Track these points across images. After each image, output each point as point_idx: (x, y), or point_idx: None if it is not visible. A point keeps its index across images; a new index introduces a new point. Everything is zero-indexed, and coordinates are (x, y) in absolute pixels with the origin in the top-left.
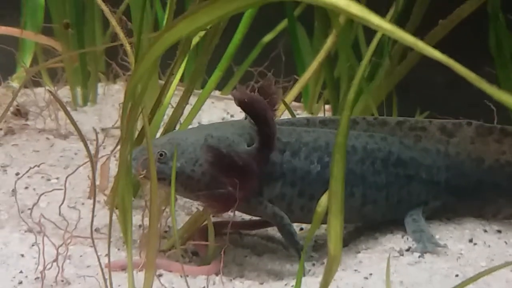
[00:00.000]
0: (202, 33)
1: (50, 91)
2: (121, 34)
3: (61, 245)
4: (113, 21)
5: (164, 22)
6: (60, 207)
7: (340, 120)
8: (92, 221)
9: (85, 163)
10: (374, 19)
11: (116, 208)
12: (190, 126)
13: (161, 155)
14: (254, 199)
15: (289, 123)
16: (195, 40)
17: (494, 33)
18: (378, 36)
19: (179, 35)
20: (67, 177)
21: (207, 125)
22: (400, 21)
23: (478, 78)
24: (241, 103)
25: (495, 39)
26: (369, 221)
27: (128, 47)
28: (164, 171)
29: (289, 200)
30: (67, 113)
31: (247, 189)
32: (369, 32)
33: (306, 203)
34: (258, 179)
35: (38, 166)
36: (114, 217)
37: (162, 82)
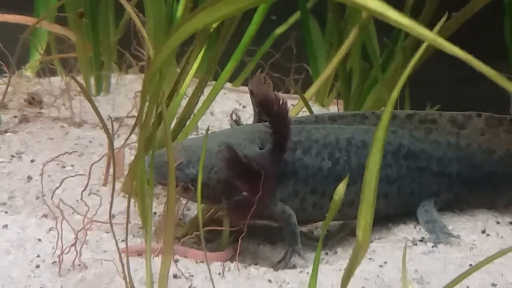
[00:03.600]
0: (216, 24)
1: (72, 77)
2: (137, 22)
3: (80, 230)
4: (128, 8)
5: (178, 13)
6: (82, 192)
7: (382, 115)
8: (111, 206)
9: (107, 154)
10: (392, 14)
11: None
12: (202, 117)
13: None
14: (267, 199)
15: (298, 121)
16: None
17: (510, 24)
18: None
19: (197, 25)
20: (92, 165)
21: (219, 132)
22: (412, 14)
23: (497, 74)
24: (261, 104)
25: (510, 31)
26: (382, 215)
27: (145, 34)
28: (180, 178)
29: (301, 198)
30: (89, 98)
31: (264, 194)
32: (379, 23)
33: (318, 200)
34: (272, 180)
35: (58, 156)
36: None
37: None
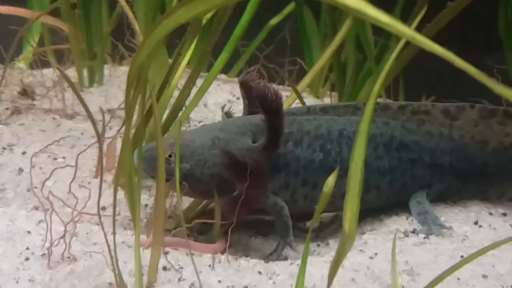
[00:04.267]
0: (209, 15)
1: (59, 69)
2: (130, 14)
3: (69, 222)
4: (122, 1)
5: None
6: (70, 184)
7: (365, 108)
8: (99, 199)
9: (94, 142)
10: (370, 11)
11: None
12: (195, 109)
13: (169, 156)
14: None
15: (290, 113)
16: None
17: (504, 14)
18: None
19: (177, 21)
20: (78, 155)
21: (211, 126)
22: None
23: (478, 72)
24: (259, 98)
25: (504, 21)
26: (374, 206)
27: (137, 27)
28: (172, 172)
29: (292, 190)
30: (76, 92)
31: (259, 189)
32: None
33: (310, 192)
34: (266, 175)
35: (47, 146)
36: (122, 196)
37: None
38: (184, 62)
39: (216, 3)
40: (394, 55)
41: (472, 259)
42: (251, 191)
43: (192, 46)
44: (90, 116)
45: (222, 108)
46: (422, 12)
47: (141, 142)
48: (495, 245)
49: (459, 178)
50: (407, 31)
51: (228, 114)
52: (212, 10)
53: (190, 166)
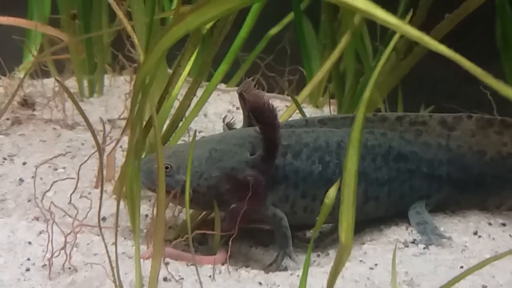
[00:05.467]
0: (209, 26)
1: (58, 80)
2: (128, 27)
3: (69, 233)
4: (120, 14)
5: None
6: (71, 195)
7: (356, 116)
8: (100, 210)
9: (94, 152)
10: (379, 13)
11: (124, 198)
12: (195, 119)
13: (166, 167)
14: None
15: (288, 125)
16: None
17: (501, 25)
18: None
19: (187, 28)
20: (80, 166)
21: (209, 137)
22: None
23: (484, 73)
24: (252, 110)
25: (501, 31)
26: (373, 217)
27: (136, 39)
28: (169, 184)
29: (292, 202)
30: (75, 102)
31: (257, 201)
32: (372, 24)
33: (309, 204)
34: (264, 187)
35: (52, 159)
36: (121, 207)
37: (170, 71)
38: (185, 73)
39: (224, 9)
40: (384, 56)
41: (474, 271)
42: (249, 203)
43: (193, 57)
44: (90, 127)
45: (223, 119)
46: (410, 13)
47: (141, 153)
48: (497, 257)
49: (457, 188)
50: (414, 33)
51: (229, 125)
52: (220, 17)
53: (186, 177)
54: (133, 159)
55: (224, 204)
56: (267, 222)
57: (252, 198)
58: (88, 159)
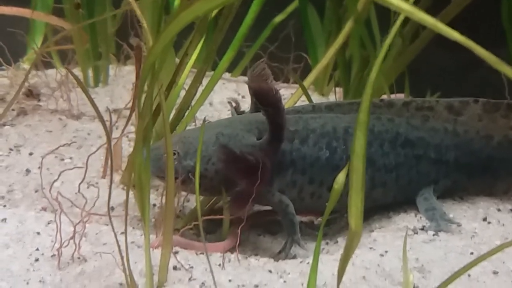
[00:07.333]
0: (214, 13)
1: (67, 69)
2: (137, 11)
3: (78, 223)
4: None
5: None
6: (79, 185)
7: (363, 98)
8: (109, 199)
9: (103, 144)
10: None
11: (132, 187)
12: (201, 108)
13: (173, 154)
14: (265, 189)
15: (295, 111)
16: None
17: (507, 5)
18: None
19: (195, 14)
20: (88, 156)
21: (215, 122)
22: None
23: (498, 60)
24: (256, 94)
25: (507, 12)
26: (380, 204)
27: (144, 24)
28: (176, 171)
29: (299, 188)
30: (85, 91)
31: (261, 184)
32: (379, 8)
33: (316, 190)
34: (270, 170)
35: (58, 148)
36: (129, 196)
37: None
38: (191, 61)
39: None
40: (388, 41)
41: (486, 257)
42: (253, 185)
43: (199, 45)
44: (99, 115)
45: (231, 103)
46: None
47: (149, 142)
48: (509, 244)
49: (465, 173)
50: (429, 19)
51: (236, 110)
52: (227, 3)
53: (194, 162)
54: (141, 147)
55: (231, 189)
56: (274, 208)
57: (258, 179)
58: (98, 149)
